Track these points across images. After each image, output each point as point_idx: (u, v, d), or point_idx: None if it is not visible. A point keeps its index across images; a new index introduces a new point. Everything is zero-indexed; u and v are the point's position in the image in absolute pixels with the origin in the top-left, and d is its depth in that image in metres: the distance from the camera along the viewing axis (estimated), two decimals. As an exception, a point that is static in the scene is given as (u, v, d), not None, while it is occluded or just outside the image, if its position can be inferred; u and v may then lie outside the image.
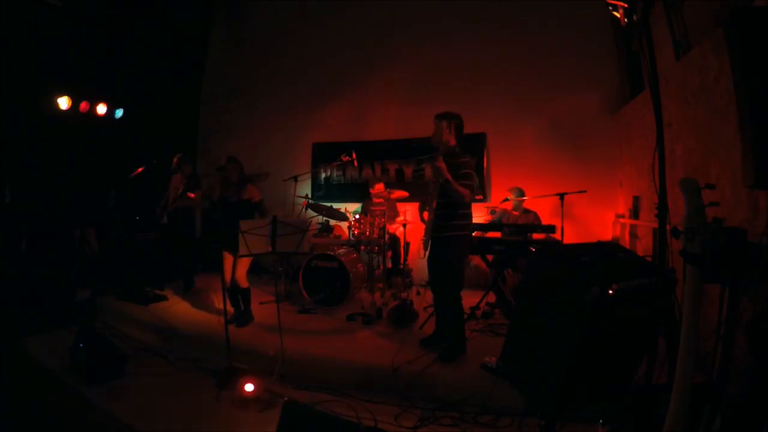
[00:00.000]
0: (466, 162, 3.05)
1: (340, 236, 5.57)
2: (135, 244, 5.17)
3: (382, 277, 4.85)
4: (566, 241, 4.40)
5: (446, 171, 2.91)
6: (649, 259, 3.22)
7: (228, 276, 3.90)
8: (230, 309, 4.24)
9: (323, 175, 6.74)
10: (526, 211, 4.79)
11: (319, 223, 5.75)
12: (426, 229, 3.23)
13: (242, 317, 3.96)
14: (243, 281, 3.95)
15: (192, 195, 4.79)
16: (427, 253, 3.24)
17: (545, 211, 5.22)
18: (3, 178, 5.05)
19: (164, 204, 5.06)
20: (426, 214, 3.30)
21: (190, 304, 4.63)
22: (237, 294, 4.02)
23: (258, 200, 3.95)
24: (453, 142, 3.14)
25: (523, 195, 4.72)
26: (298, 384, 2.97)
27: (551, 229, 4.10)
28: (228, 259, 3.85)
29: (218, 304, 4.47)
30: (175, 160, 5.06)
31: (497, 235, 4.45)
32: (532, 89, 5.64)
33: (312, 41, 6.76)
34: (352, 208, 5.43)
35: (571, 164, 5.37)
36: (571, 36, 5.43)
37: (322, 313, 4.34)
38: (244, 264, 3.91)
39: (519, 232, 4.28)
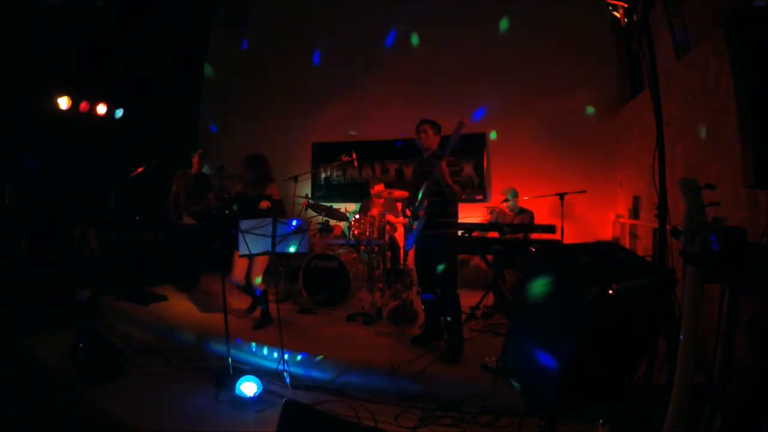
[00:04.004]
0: (452, 161, 3.16)
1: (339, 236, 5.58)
2: (135, 244, 5.17)
3: (382, 277, 4.85)
4: (566, 241, 4.40)
5: (448, 174, 3.00)
6: (649, 259, 3.22)
7: (240, 274, 3.90)
8: (238, 305, 4.30)
9: (323, 175, 6.74)
10: (522, 211, 4.80)
11: (319, 223, 5.76)
12: (406, 227, 3.34)
13: (262, 319, 3.89)
14: (262, 284, 3.91)
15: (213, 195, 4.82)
16: (412, 251, 3.34)
17: (545, 211, 5.22)
18: (3, 178, 5.04)
19: (179, 204, 5.05)
20: (408, 211, 3.41)
21: (190, 304, 4.63)
22: (250, 288, 4.01)
23: (277, 198, 3.90)
24: (436, 146, 3.30)
25: (517, 195, 4.74)
26: (299, 384, 2.98)
27: (551, 228, 4.11)
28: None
29: (218, 303, 4.47)
30: (195, 159, 5.11)
31: (497, 235, 4.47)
32: (532, 89, 5.65)
33: (312, 41, 6.76)
34: (352, 208, 5.43)
35: (571, 164, 5.38)
36: (571, 36, 5.43)
37: (322, 313, 4.34)
38: (261, 263, 3.87)
39: (519, 232, 4.29)
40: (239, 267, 3.88)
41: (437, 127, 3.31)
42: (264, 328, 3.81)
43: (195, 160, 5.12)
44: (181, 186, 5.03)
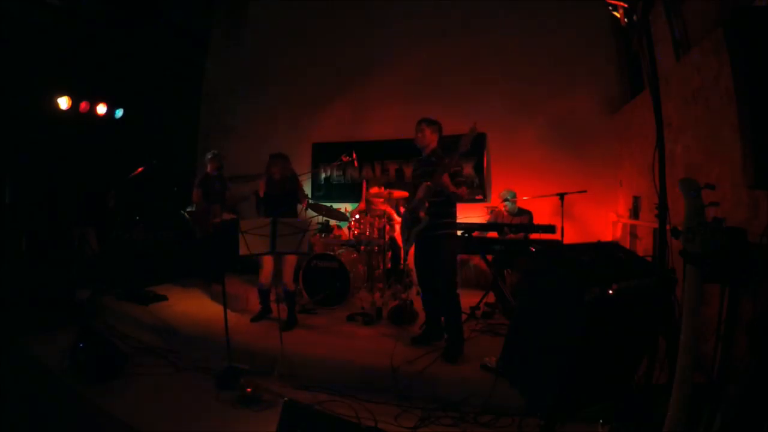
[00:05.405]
0: (458, 171, 3.16)
1: (339, 236, 5.57)
2: (135, 244, 5.17)
3: (382, 277, 4.85)
4: (566, 241, 4.40)
5: (450, 184, 3.02)
6: (649, 259, 3.22)
7: (266, 275, 3.93)
8: (240, 305, 4.33)
9: (323, 175, 6.74)
10: (521, 212, 4.79)
11: (319, 223, 5.76)
12: (403, 226, 3.36)
13: (288, 320, 3.84)
14: (291, 283, 3.92)
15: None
16: (410, 251, 3.36)
17: (545, 211, 5.22)
18: (3, 178, 5.04)
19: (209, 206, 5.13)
20: (402, 209, 3.45)
21: (190, 304, 4.63)
22: (269, 294, 4.05)
23: (301, 187, 4.03)
24: (435, 144, 3.30)
25: (515, 197, 4.75)
26: (298, 384, 2.97)
27: (551, 229, 4.11)
28: (267, 257, 3.80)
29: (218, 303, 4.47)
30: (212, 160, 5.24)
31: (496, 235, 4.46)
32: (532, 89, 5.64)
33: (312, 41, 6.76)
34: (352, 209, 5.43)
35: (571, 164, 5.37)
36: (571, 36, 5.43)
37: (322, 313, 4.34)
38: (292, 264, 3.89)
39: (519, 232, 4.29)
40: (267, 268, 3.93)
41: (434, 126, 3.29)
42: (290, 329, 3.76)
43: (212, 162, 5.18)
44: (205, 189, 5.12)
